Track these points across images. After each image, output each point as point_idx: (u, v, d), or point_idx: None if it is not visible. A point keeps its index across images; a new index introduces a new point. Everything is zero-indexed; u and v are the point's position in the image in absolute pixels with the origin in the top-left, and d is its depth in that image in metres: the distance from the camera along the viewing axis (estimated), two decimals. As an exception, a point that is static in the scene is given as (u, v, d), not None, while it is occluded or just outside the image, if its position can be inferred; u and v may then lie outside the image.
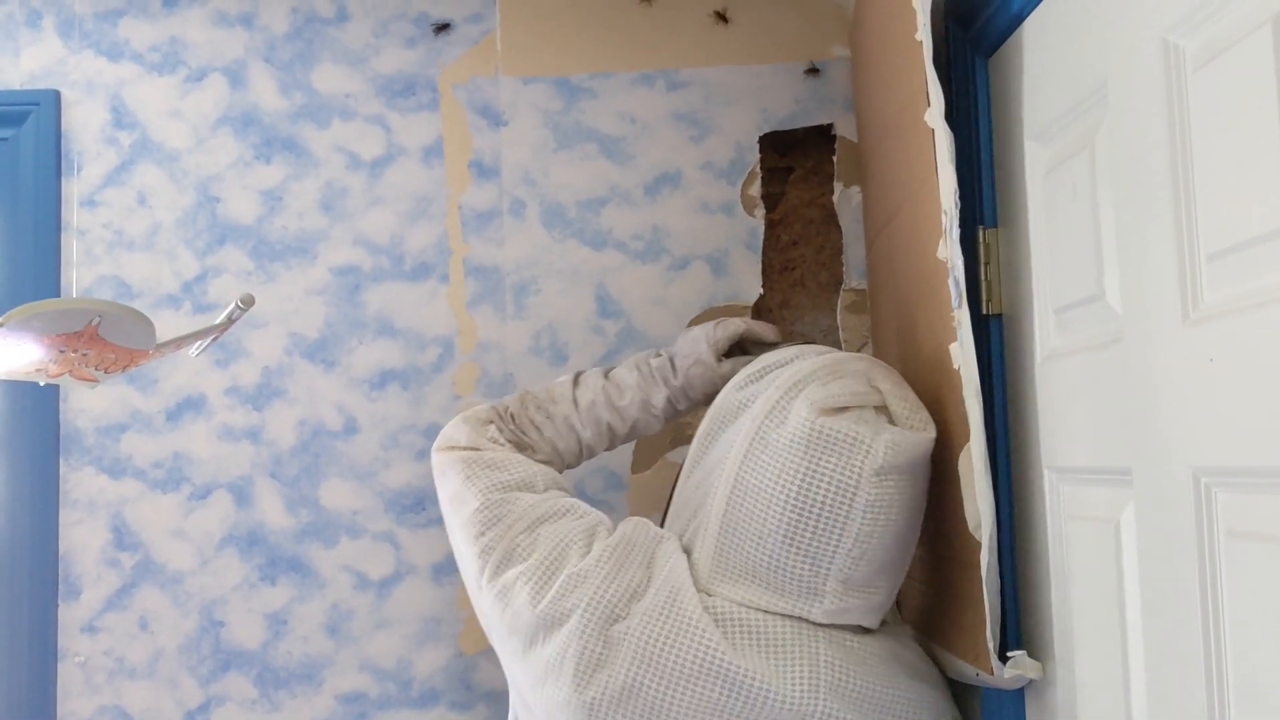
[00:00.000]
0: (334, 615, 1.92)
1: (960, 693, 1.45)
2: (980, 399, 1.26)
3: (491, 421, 1.55)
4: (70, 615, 1.91)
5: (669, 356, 1.61)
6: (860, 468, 1.26)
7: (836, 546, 1.27)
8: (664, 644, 1.29)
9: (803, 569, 1.29)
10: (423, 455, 1.94)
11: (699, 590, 1.32)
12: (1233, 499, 0.91)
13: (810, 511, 1.27)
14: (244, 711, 1.91)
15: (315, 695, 1.91)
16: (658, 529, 1.42)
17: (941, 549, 1.46)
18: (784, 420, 1.31)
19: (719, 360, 1.58)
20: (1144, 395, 1.03)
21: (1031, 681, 1.29)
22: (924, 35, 1.31)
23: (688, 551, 1.37)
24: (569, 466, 1.62)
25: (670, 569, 1.34)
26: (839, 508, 1.26)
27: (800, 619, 1.31)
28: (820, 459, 1.27)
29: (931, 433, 1.31)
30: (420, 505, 1.94)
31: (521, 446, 1.56)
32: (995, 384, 1.38)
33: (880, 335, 1.85)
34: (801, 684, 1.28)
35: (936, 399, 1.39)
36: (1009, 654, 1.26)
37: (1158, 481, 1.01)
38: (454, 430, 1.55)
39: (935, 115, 1.30)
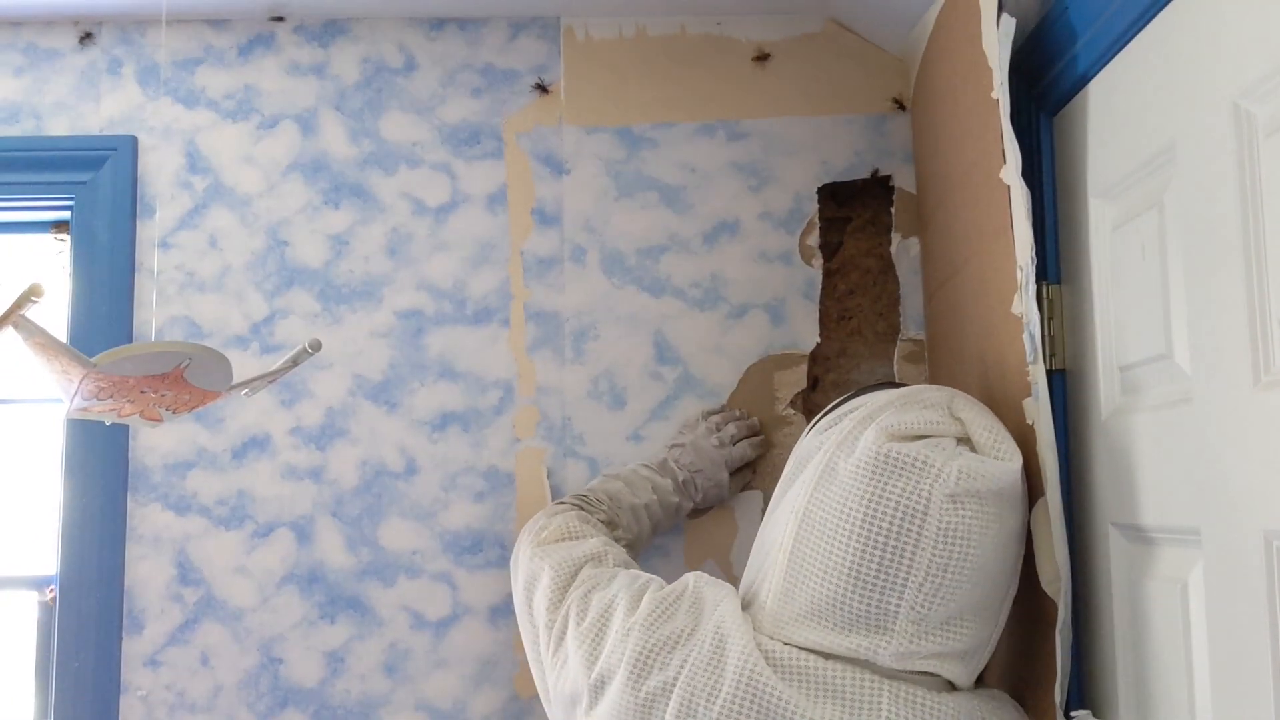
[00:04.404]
0: (391, 655, 1.94)
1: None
2: (1055, 454, 1.26)
3: (577, 506, 1.71)
4: (134, 649, 1.94)
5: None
6: (929, 491, 1.18)
7: (907, 578, 1.18)
8: (707, 696, 1.22)
9: (870, 603, 1.19)
10: (482, 497, 1.97)
11: (761, 634, 1.25)
12: (1306, 564, 0.91)
13: (876, 540, 1.19)
14: (300, 748, 1.93)
15: (371, 734, 1.93)
16: (714, 580, 1.38)
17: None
18: (853, 449, 1.25)
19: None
20: (1214, 457, 1.03)
21: (1096, 740, 1.29)
22: (1000, 93, 1.32)
23: (753, 599, 1.31)
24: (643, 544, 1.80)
25: (720, 615, 1.28)
26: (907, 534, 1.18)
27: (865, 664, 1.21)
28: (887, 483, 1.19)
29: (1017, 463, 1.23)
30: (478, 547, 1.96)
31: (613, 525, 1.70)
32: (1058, 439, 1.38)
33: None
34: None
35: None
36: (1074, 713, 1.25)
37: (1228, 544, 1.01)
38: (531, 522, 1.69)
39: (1011, 172, 1.31)
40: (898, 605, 1.19)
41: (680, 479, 1.85)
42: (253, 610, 1.95)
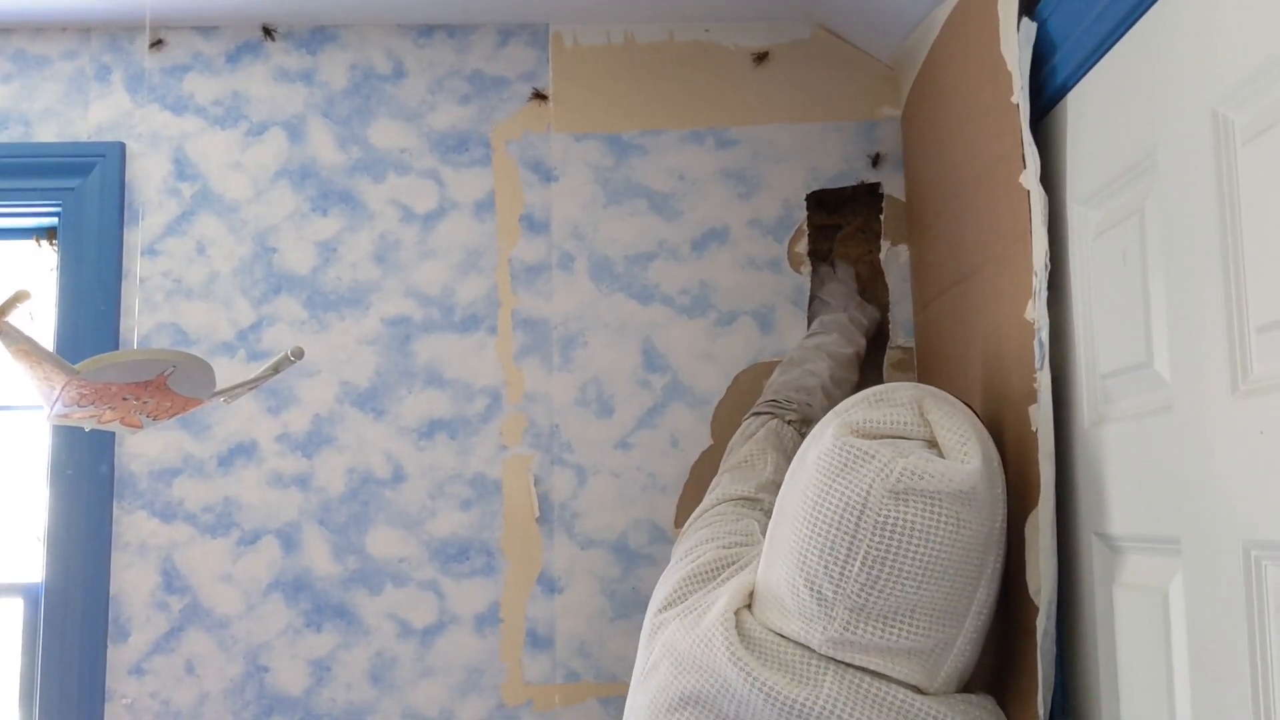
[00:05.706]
0: (378, 663, 1.93)
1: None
2: (1054, 461, 1.26)
3: (772, 414, 1.75)
4: (119, 657, 1.93)
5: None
6: (870, 484, 1.20)
7: (844, 568, 1.20)
8: (687, 631, 1.34)
9: (811, 588, 1.23)
10: (469, 505, 1.96)
11: (747, 611, 1.33)
12: (1284, 573, 0.91)
13: (819, 529, 1.22)
14: (286, 757, 1.92)
15: (357, 743, 1.92)
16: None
17: (998, 612, 1.45)
18: (818, 442, 1.29)
19: None
20: (1193, 465, 1.03)
21: (1078, 751, 1.28)
22: (1021, 99, 1.32)
23: None
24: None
25: (733, 585, 1.37)
26: (845, 525, 1.20)
27: (806, 647, 1.25)
28: (836, 476, 1.22)
29: (972, 464, 1.21)
30: (465, 555, 1.95)
31: (808, 421, 1.72)
32: (1042, 447, 1.38)
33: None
34: (804, 692, 1.22)
35: (1004, 460, 1.38)
36: (1055, 722, 1.25)
37: (1207, 553, 1.01)
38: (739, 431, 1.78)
39: (1031, 177, 1.30)
40: (835, 594, 1.22)
41: (843, 325, 1.91)
42: (238, 618, 1.94)
